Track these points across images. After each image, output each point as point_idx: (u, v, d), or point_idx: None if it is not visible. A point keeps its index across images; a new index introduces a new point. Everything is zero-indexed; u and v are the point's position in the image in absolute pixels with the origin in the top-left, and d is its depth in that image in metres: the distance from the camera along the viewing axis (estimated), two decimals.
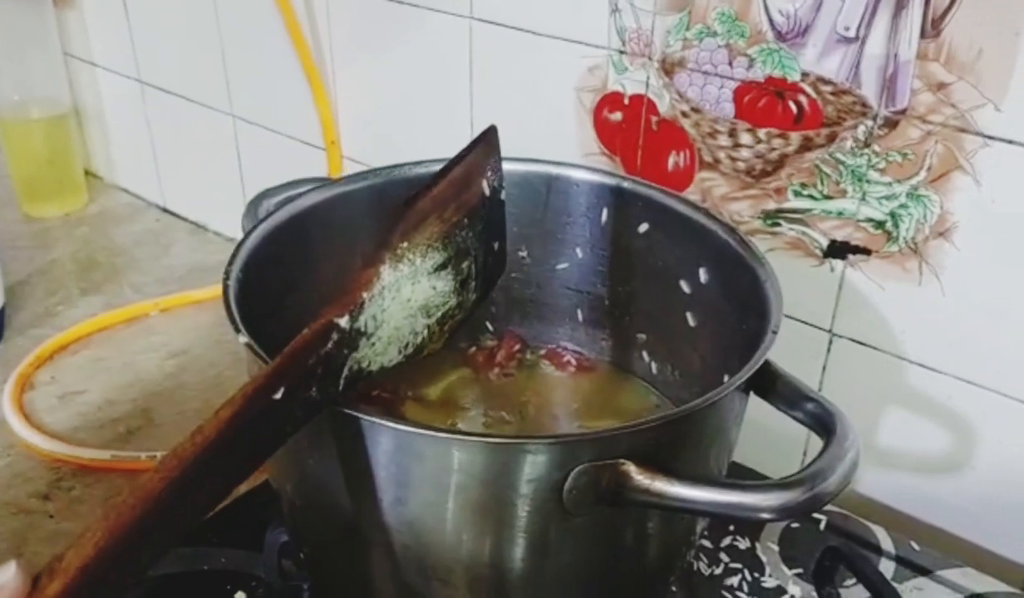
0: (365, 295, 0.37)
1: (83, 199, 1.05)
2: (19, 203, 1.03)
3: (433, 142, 0.76)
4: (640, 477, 0.34)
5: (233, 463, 0.32)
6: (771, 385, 0.40)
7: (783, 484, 0.33)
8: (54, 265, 0.94)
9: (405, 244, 0.40)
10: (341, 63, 0.80)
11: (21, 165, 1.01)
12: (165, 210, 1.05)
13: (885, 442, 0.61)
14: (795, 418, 0.39)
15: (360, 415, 0.35)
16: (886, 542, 0.57)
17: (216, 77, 0.90)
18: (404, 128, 0.78)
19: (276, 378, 0.33)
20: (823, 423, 0.36)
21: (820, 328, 0.61)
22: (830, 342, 0.61)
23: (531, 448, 0.34)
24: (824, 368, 0.62)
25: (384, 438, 0.35)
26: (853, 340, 0.60)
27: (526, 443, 0.35)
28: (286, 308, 0.39)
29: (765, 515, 0.33)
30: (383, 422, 0.34)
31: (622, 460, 0.34)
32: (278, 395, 0.33)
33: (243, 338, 0.38)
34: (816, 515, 0.58)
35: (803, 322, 0.61)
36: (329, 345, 0.35)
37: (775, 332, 0.40)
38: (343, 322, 0.36)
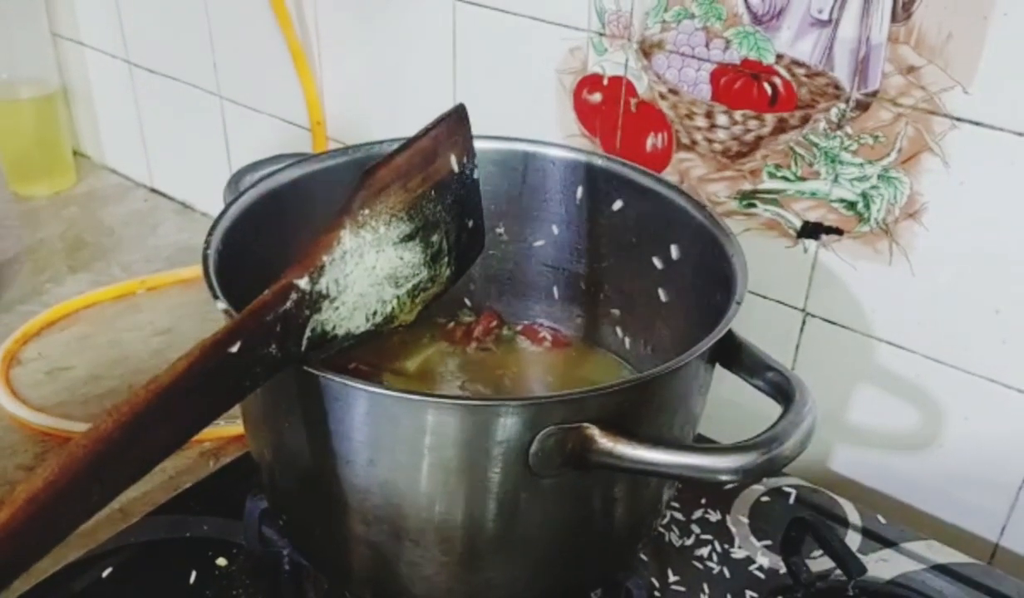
0: (325, 258, 0.38)
1: (71, 179, 1.06)
2: (8, 182, 1.03)
3: (416, 122, 0.77)
4: (603, 440, 0.35)
5: (188, 411, 0.34)
6: (735, 355, 0.41)
7: (741, 447, 0.34)
8: (42, 244, 0.94)
9: (366, 211, 0.41)
10: (327, 44, 0.80)
11: (10, 145, 1.01)
12: (153, 190, 1.06)
13: (855, 419, 0.63)
14: (756, 386, 0.40)
15: (327, 375, 0.36)
16: (853, 515, 0.59)
17: (204, 58, 0.90)
18: (388, 109, 0.79)
19: (234, 333, 0.34)
20: (782, 391, 0.38)
21: (794, 307, 0.62)
22: (803, 321, 0.62)
23: (500, 409, 0.35)
24: (798, 347, 0.63)
25: (357, 400, 0.36)
26: (825, 319, 0.61)
27: (496, 404, 0.36)
28: (265, 280, 0.39)
29: (724, 477, 0.34)
30: (353, 383, 0.36)
31: (587, 423, 0.35)
32: (234, 349, 0.34)
33: (221, 304, 0.39)
34: (785, 489, 0.59)
35: (777, 302, 0.63)
36: (288, 304, 0.36)
37: (739, 303, 0.41)
38: (302, 283, 0.37)
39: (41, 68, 1.00)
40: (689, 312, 0.49)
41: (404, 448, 0.37)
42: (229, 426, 0.68)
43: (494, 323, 0.60)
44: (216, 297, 0.39)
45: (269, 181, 0.49)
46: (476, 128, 0.73)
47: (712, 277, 0.46)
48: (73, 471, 0.30)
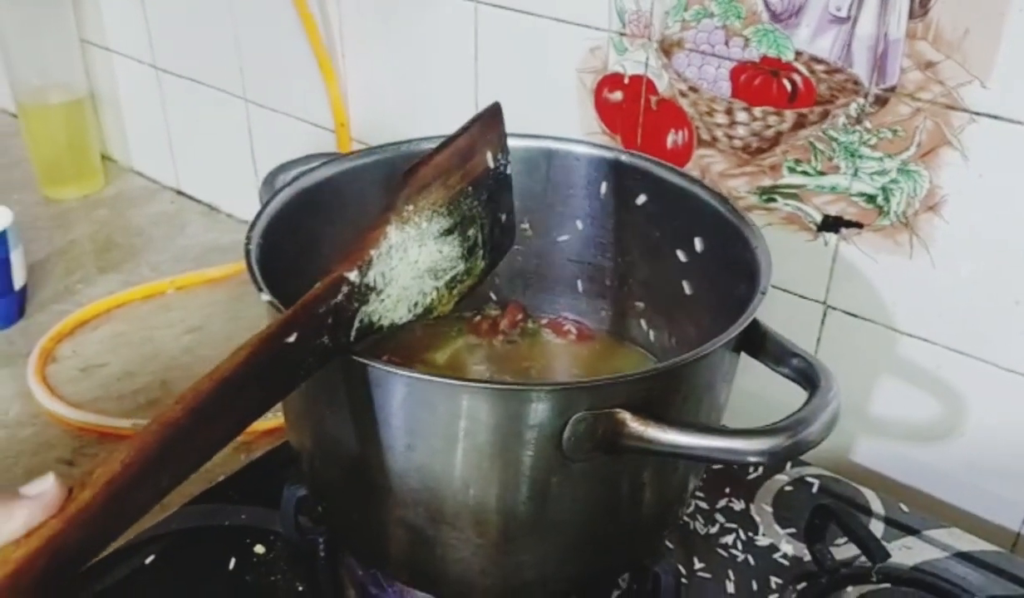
0: (373, 252, 0.40)
1: (100, 182, 1.08)
2: (39, 186, 1.05)
3: (439, 123, 0.78)
4: (634, 424, 0.36)
5: (248, 399, 0.35)
6: (760, 343, 0.42)
7: (768, 430, 0.35)
8: (73, 245, 0.97)
9: (411, 207, 0.43)
10: (351, 47, 0.82)
11: (41, 149, 1.03)
12: (179, 192, 1.08)
13: (877, 411, 0.63)
14: (782, 373, 0.41)
15: (374, 363, 0.37)
16: (876, 504, 0.60)
17: (230, 61, 0.92)
18: (411, 110, 0.81)
19: (290, 325, 0.36)
20: (808, 377, 0.39)
21: (815, 300, 0.63)
22: (824, 314, 0.63)
23: (534, 394, 0.36)
24: (819, 340, 0.64)
25: (397, 386, 0.38)
26: (846, 312, 0.62)
27: (529, 389, 0.37)
28: (302, 272, 0.41)
29: (751, 459, 0.36)
30: (396, 370, 0.37)
31: (618, 409, 0.37)
32: (291, 339, 0.35)
33: (265, 296, 0.40)
34: (809, 478, 0.60)
35: (798, 295, 0.64)
36: (339, 297, 0.38)
37: (763, 293, 0.42)
38: (352, 276, 0.39)
39: (70, 74, 1.02)
40: (713, 304, 0.50)
41: (441, 433, 0.38)
42: (260, 421, 0.70)
43: (519, 316, 0.62)
44: (260, 289, 0.41)
45: (303, 180, 0.50)
46: None
47: (736, 269, 0.47)
48: (145, 455, 0.32)
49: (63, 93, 1.02)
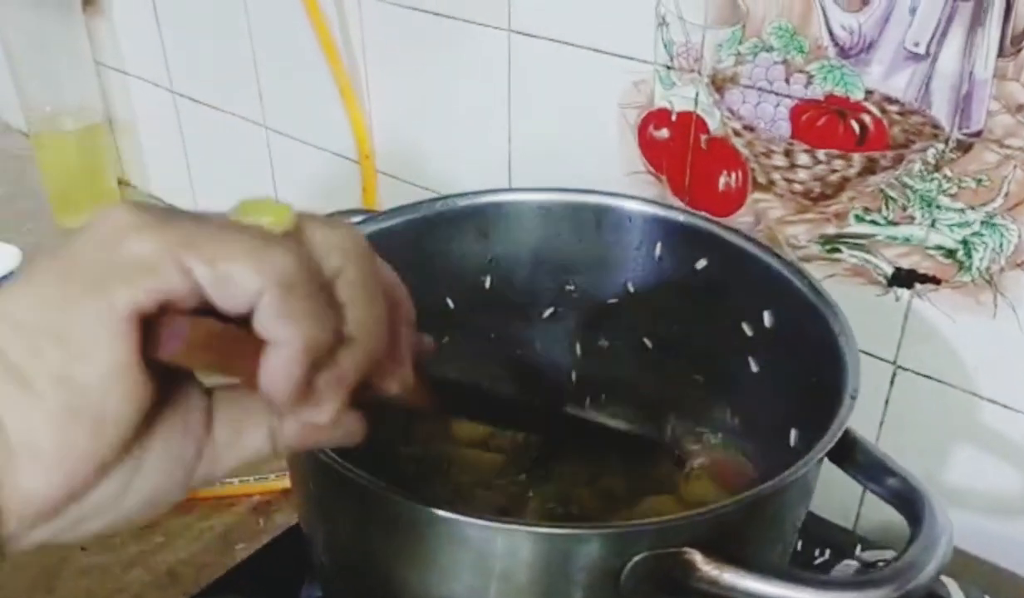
0: None
1: None
2: (52, 214, 1.02)
3: (470, 158, 0.73)
4: (707, 567, 0.31)
5: None
6: (848, 453, 0.37)
7: (871, 581, 0.30)
8: None
9: None
10: (375, 77, 0.77)
11: (54, 177, 1.00)
12: None
13: (953, 480, 0.58)
14: (874, 492, 0.36)
15: (388, 493, 0.32)
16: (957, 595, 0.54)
17: (248, 88, 0.88)
18: (440, 143, 0.75)
19: None
20: (909, 503, 0.33)
21: (883, 360, 0.57)
22: (894, 374, 0.57)
23: (584, 538, 0.31)
24: (887, 401, 0.58)
25: (420, 519, 0.33)
26: (919, 373, 0.57)
27: (578, 534, 0.32)
28: None
29: None
30: (415, 504, 0.32)
31: (686, 548, 0.31)
32: None
33: None
34: (880, 564, 0.55)
35: (865, 352, 0.57)
36: None
37: (854, 398, 0.36)
38: None
39: (85, 97, 0.98)
40: (785, 388, 0.45)
41: (472, 570, 0.33)
42: (279, 480, 0.66)
43: None
44: None
45: None
46: (533, 165, 0.70)
47: (813, 353, 0.41)
48: None
49: (77, 119, 0.98)
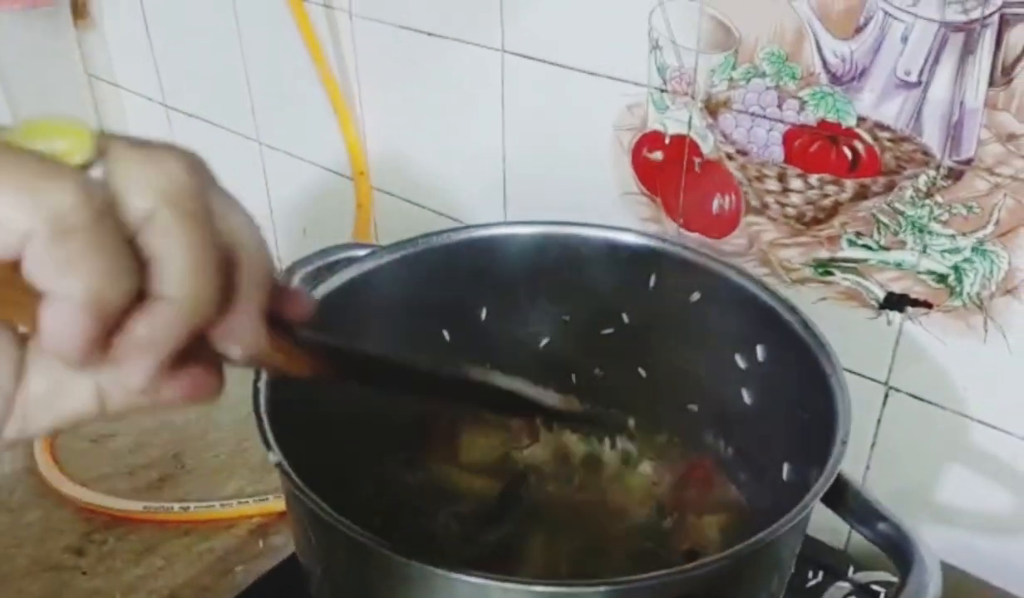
0: None
1: None
2: None
3: (465, 176, 0.74)
4: None
5: None
6: (839, 496, 0.37)
7: None
8: None
9: None
10: (369, 94, 0.77)
11: None
12: None
13: (943, 498, 0.59)
14: (865, 536, 0.36)
15: (381, 548, 0.32)
16: None
17: (241, 102, 0.88)
18: (434, 162, 0.76)
19: None
20: (898, 549, 0.34)
21: (875, 381, 0.58)
22: (886, 395, 0.58)
23: (582, 596, 0.31)
24: (879, 421, 0.59)
25: (414, 574, 0.33)
26: (911, 394, 0.57)
27: (576, 592, 0.32)
28: (318, 402, 0.36)
29: None
30: (410, 560, 0.32)
31: None
32: None
33: (273, 457, 0.35)
34: (874, 586, 0.55)
35: (857, 374, 0.58)
36: None
37: (844, 443, 0.37)
38: None
39: (76, 110, 0.98)
40: (777, 421, 0.45)
41: None
42: (277, 501, 0.66)
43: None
44: (268, 448, 0.36)
45: (320, 289, 0.45)
46: (528, 184, 0.70)
47: (804, 389, 0.42)
48: None
49: None
